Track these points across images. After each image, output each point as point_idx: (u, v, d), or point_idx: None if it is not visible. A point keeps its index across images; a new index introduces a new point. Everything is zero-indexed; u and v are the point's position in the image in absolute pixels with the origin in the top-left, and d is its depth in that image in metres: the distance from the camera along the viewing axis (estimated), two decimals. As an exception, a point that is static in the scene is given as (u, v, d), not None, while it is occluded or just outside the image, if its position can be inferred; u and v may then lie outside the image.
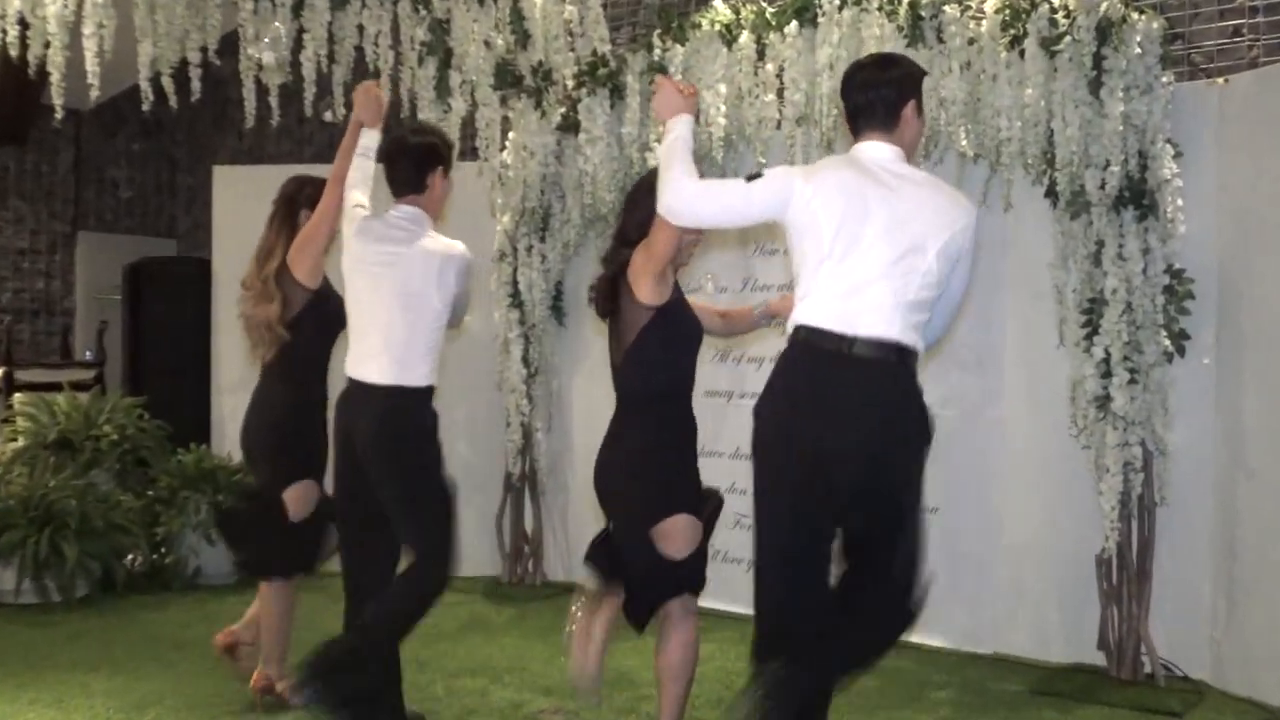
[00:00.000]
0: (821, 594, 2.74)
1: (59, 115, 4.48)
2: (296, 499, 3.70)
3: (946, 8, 4.31)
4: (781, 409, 2.75)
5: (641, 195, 3.19)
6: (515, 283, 5.50)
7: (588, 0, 5.31)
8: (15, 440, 5.68)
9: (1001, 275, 4.49)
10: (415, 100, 5.17)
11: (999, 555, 4.54)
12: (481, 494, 5.55)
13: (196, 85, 4.73)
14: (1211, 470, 4.11)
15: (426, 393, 3.30)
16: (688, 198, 2.88)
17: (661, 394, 3.09)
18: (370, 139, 3.63)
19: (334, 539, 3.62)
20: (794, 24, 4.65)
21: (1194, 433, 4.12)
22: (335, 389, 3.59)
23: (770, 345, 4.93)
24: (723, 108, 4.80)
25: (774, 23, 4.75)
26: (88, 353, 8.46)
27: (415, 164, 3.43)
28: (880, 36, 4.41)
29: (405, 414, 3.27)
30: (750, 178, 2.87)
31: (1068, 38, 4.05)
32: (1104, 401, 4.06)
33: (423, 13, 5.11)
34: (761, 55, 4.80)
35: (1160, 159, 3.97)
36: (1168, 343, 4.04)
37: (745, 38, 4.80)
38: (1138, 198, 4.03)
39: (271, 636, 3.77)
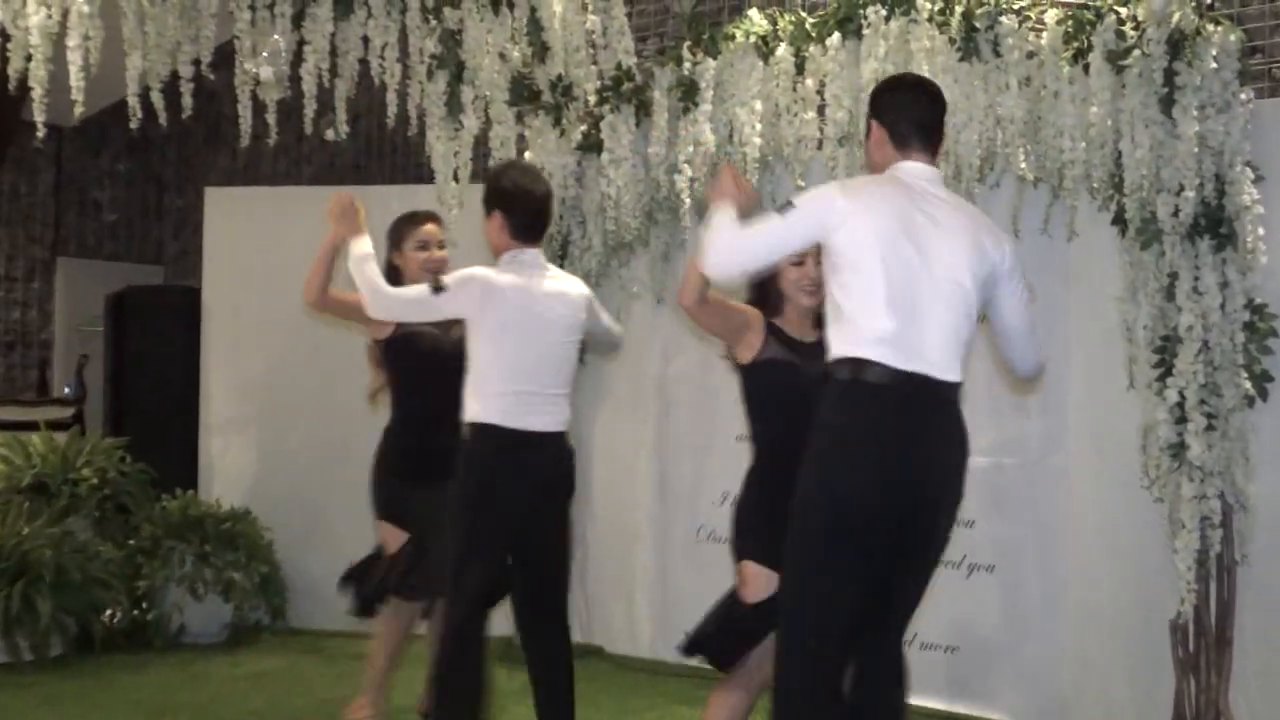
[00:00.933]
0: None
1: (40, 133, 4.53)
2: (385, 535, 4.19)
3: (1004, 19, 4.33)
4: (849, 455, 2.77)
5: None
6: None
7: (611, 10, 5.36)
8: (-13, 484, 5.73)
9: (1065, 310, 4.49)
10: (424, 117, 5.23)
11: (1063, 620, 4.51)
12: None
13: (188, 101, 4.79)
14: (1299, 526, 4.08)
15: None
16: (724, 251, 2.97)
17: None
18: (364, 245, 3.77)
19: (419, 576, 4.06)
20: (836, 36, 4.69)
21: (1278, 484, 4.09)
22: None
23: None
24: (758, 126, 4.83)
25: (814, 34, 4.78)
26: (66, 389, 8.54)
27: (548, 212, 3.82)
28: (930, 49, 4.44)
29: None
30: (782, 208, 2.93)
31: (1136, 51, 4.07)
32: (1179, 450, 4.04)
33: (433, 23, 5.17)
34: (801, 69, 4.83)
35: (1239, 183, 3.97)
36: (1249, 385, 4.02)
37: (783, 50, 4.84)
38: (1214, 226, 4.03)
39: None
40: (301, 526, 5.99)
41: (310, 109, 5.01)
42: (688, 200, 4.93)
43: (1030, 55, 4.32)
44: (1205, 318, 4.01)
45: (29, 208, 9.09)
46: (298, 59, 4.96)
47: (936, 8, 4.46)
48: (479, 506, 3.51)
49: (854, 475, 2.75)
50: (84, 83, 4.50)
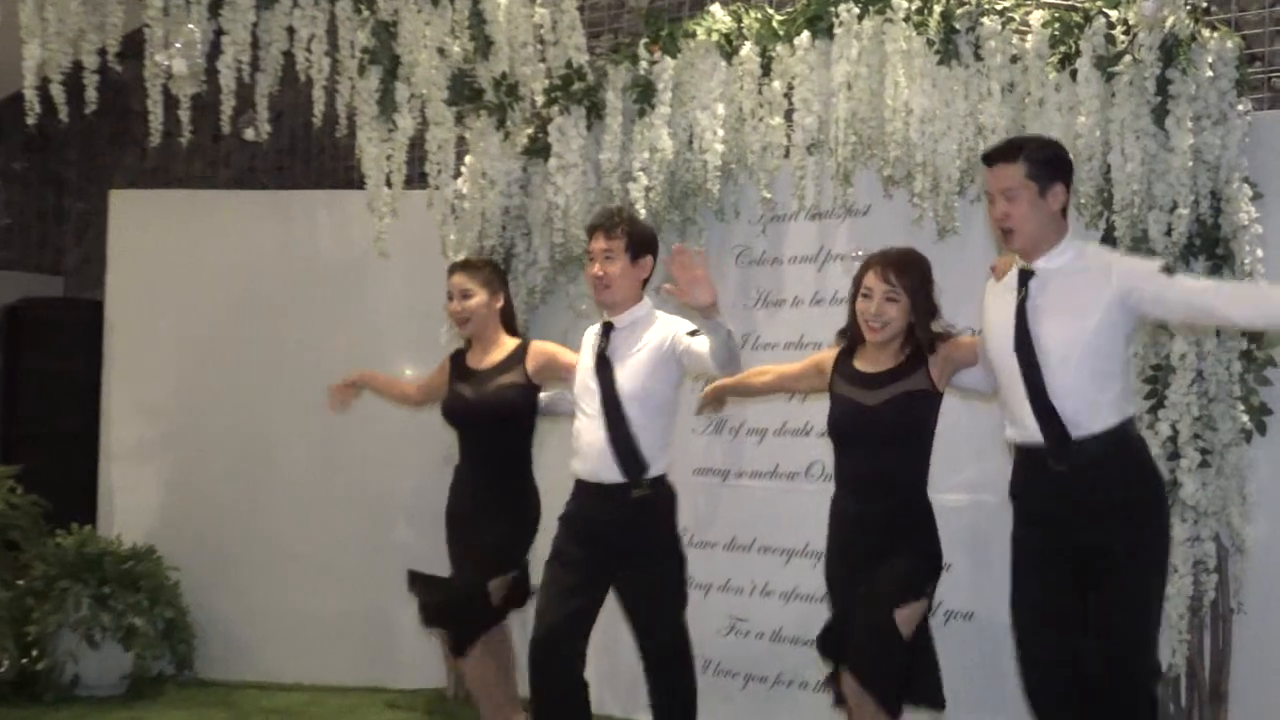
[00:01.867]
0: None
1: (-74, 129, 4.50)
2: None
3: (985, 20, 4.40)
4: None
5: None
6: (470, 335, 5.51)
7: (561, 3, 5.39)
8: None
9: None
10: (354, 117, 5.22)
11: (1046, 671, 4.52)
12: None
13: (92, 94, 4.76)
14: (1299, 571, 4.14)
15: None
16: None
17: None
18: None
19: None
20: (805, 35, 4.73)
21: (1277, 526, 4.14)
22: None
23: (775, 415, 4.95)
24: (720, 132, 4.86)
25: (782, 33, 4.83)
26: (-49, 411, 8.41)
27: None
28: (907, 52, 4.49)
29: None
30: (1165, 268, 3.55)
31: (1127, 57, 4.13)
32: (1171, 488, 4.09)
33: (365, 14, 5.16)
34: (767, 70, 4.87)
35: (1236, 200, 4.04)
36: (1245, 418, 4.07)
37: (748, 50, 4.88)
38: (1210, 246, 4.09)
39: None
40: (211, 567, 5.93)
41: (228, 105, 4.98)
42: (643, 211, 4.94)
43: (1014, 59, 4.38)
44: (1199, 345, 4.07)
45: (-88, 210, 8.97)
46: (215, 50, 4.94)
47: (914, 7, 4.51)
48: None
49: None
50: (-25, 73, 4.47)
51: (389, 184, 5.27)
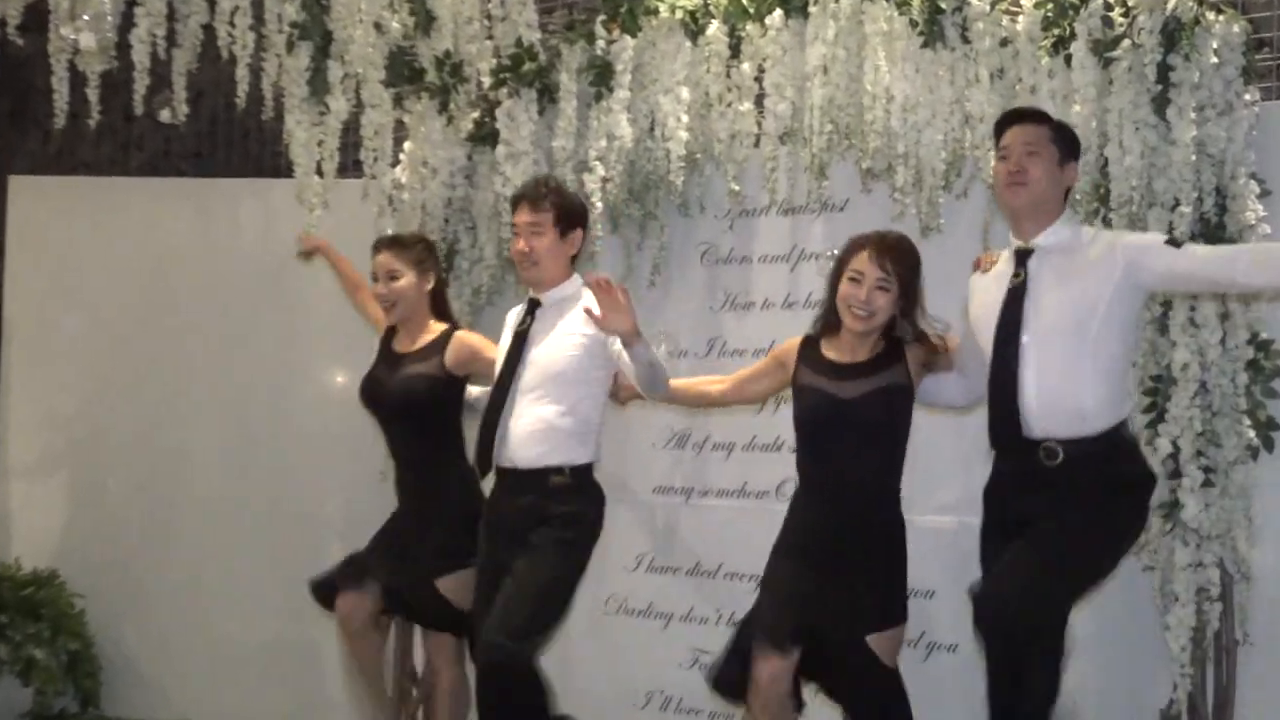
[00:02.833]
0: None
1: None
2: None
3: (973, 0, 4.44)
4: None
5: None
6: (408, 338, 5.49)
7: (511, -25, 5.40)
8: None
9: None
10: (282, 98, 5.20)
11: (1036, 708, 4.56)
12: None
13: (-10, 71, 4.74)
14: (1309, 600, 4.19)
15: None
16: None
17: None
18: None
19: None
20: (778, 14, 4.75)
21: (1286, 551, 4.19)
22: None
23: (742, 429, 4.96)
24: (685, 118, 4.88)
25: (752, 11, 4.84)
26: None
27: None
28: (888, 33, 4.52)
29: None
30: (1170, 240, 3.67)
31: (1126, 42, 4.17)
32: (1171, 509, 4.13)
33: (295, -16, 5.17)
34: (736, 52, 4.88)
35: (1242, 198, 4.07)
36: (1252, 434, 4.11)
37: (715, 29, 4.89)
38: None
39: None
40: (121, 593, 5.89)
41: (142, 84, 4.95)
42: (599, 204, 4.95)
43: (1004, 43, 4.42)
44: (1203, 355, 4.11)
45: None
46: (127, 23, 4.91)
47: (896, -17, 4.55)
48: None
49: None
50: None
51: (320, 172, 5.25)
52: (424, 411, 4.55)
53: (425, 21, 5.33)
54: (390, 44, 5.30)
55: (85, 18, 4.80)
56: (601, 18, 5.12)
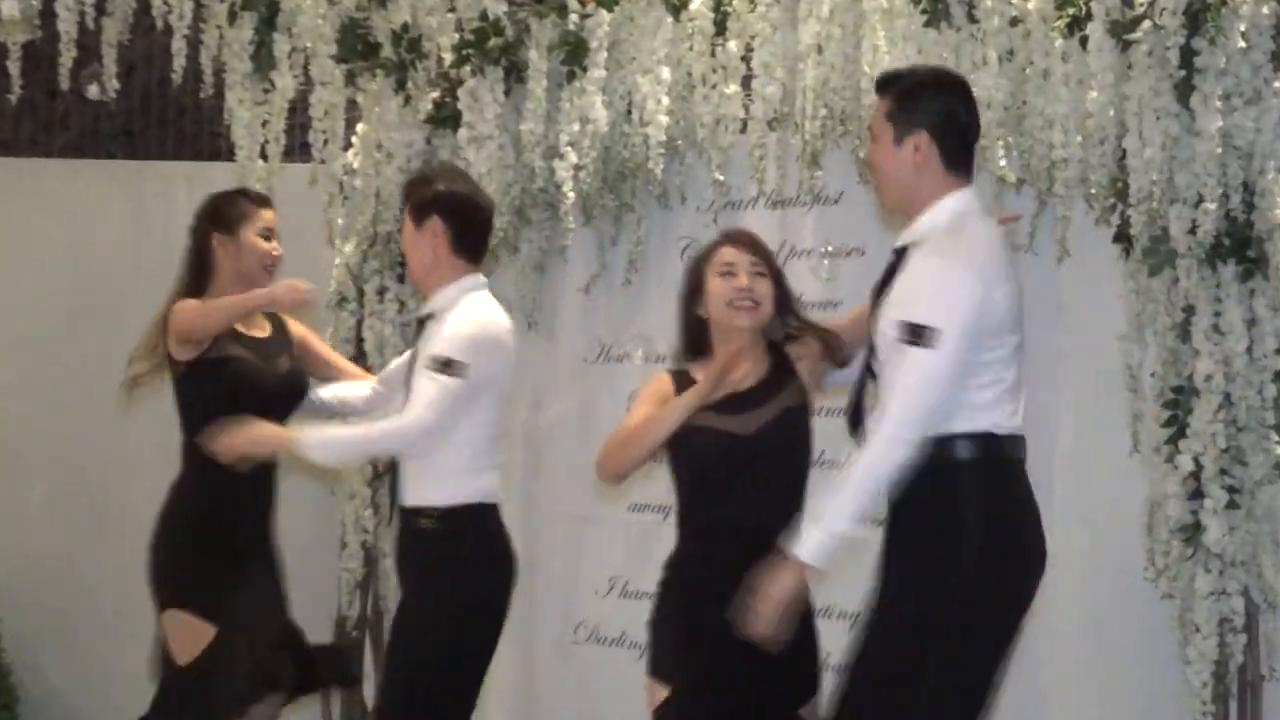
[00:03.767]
0: None
1: None
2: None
3: (981, -27, 4.46)
4: (1004, 551, 3.28)
5: None
6: (360, 338, 5.47)
7: (476, -61, 5.39)
8: None
9: (1052, 351, 4.56)
10: (223, 74, 5.19)
11: (1043, 748, 4.59)
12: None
13: (-100, 41, 4.71)
14: (1341, 632, 4.21)
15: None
16: None
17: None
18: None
19: None
20: (769, -13, 4.77)
21: (1316, 578, 4.21)
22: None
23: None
24: (665, 100, 4.88)
25: (741, -15, 4.86)
26: None
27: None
28: (888, 10, 4.54)
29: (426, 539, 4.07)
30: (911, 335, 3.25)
31: (1146, 23, 4.18)
32: (1193, 533, 4.15)
33: (238, -52, 5.16)
34: (722, 29, 4.90)
35: (1271, 193, 4.10)
36: (1280, 450, 4.16)
37: (699, 4, 4.90)
38: (1240, 248, 4.16)
39: None
40: (38, 616, 5.87)
41: (68, 56, 4.93)
42: (571, 194, 4.95)
43: (1014, 23, 4.43)
44: (1228, 364, 4.13)
45: None
46: (54, -10, 4.90)
47: (898, -45, 4.56)
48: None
49: (1012, 573, 3.45)
50: None
51: (264, 156, 5.24)
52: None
53: (382, -9, 5.32)
54: (342, 16, 5.27)
55: (6, -20, 4.80)
56: (575, -11, 5.11)
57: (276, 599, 4.38)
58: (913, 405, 3.18)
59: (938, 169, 3.36)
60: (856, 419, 3.41)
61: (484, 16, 5.24)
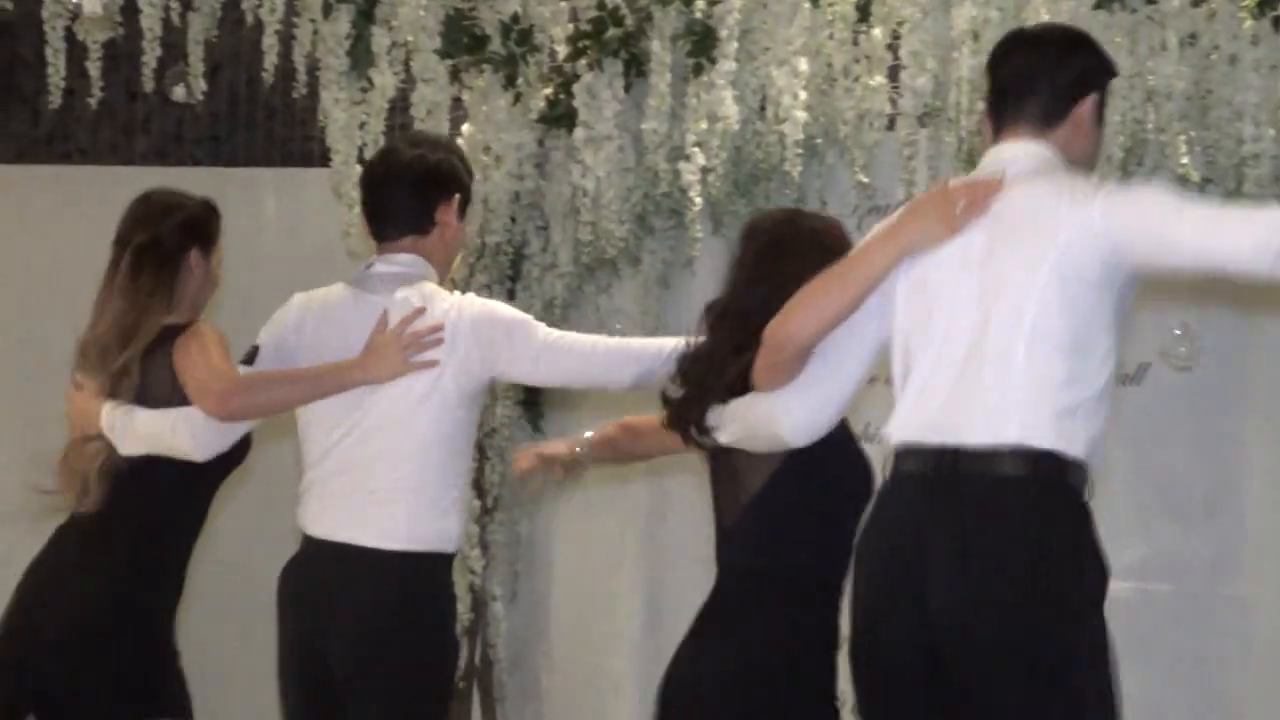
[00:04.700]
0: None
1: None
2: None
3: (1159, -53, 4.40)
4: (868, 573, 3.09)
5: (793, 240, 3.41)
6: (466, 361, 5.51)
7: (592, -80, 5.40)
8: None
9: (1242, 377, 4.55)
10: (317, 72, 5.23)
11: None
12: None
13: (-30, 39, 4.80)
14: None
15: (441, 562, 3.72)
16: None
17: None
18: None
19: None
20: (918, -32, 4.74)
21: None
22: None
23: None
24: (802, 95, 4.84)
25: (886, -35, 4.83)
26: None
27: (417, 189, 3.78)
28: (1053, -9, 4.49)
29: (413, 599, 3.62)
30: None
31: (1350, 0, 4.12)
32: None
33: (333, -66, 5.20)
34: (866, 15, 4.87)
35: None
36: None
37: (840, -14, 4.89)
38: None
39: None
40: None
41: (152, 55, 4.99)
42: (698, 200, 4.95)
43: (1197, 3, 4.38)
44: None
45: None
46: (136, -17, 4.97)
47: (1064, -72, 4.51)
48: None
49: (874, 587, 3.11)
50: None
51: (362, 160, 5.25)
52: None
53: (490, -20, 5.34)
54: (447, 7, 5.29)
55: (89, -26, 4.86)
56: (702, -27, 5.10)
57: None
58: None
59: None
60: None
61: (601, 5, 5.27)
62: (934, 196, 3.16)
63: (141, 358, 3.84)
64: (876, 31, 4.85)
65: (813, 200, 5.08)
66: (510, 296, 5.39)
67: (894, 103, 4.85)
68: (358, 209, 5.17)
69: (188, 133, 7.08)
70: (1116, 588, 4.27)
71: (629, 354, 3.69)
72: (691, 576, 5.34)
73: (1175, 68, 4.36)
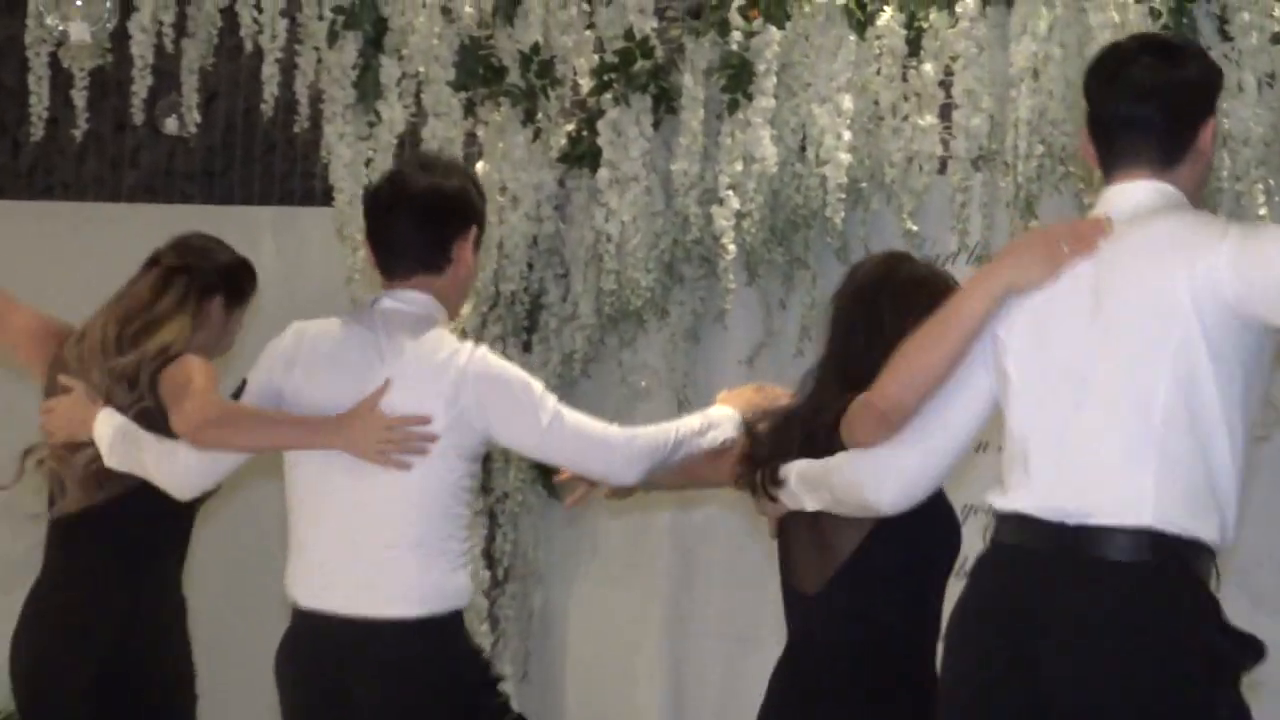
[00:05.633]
0: None
1: None
2: None
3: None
4: (970, 642, 3.02)
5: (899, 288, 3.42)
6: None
7: (619, -56, 5.42)
8: None
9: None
10: (320, 103, 5.26)
11: None
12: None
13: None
14: None
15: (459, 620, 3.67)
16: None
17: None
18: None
19: None
20: (972, -2, 4.76)
21: None
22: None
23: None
24: (846, 135, 4.86)
25: (938, -6, 4.86)
26: None
27: (431, 220, 3.70)
28: (1120, 24, 4.47)
29: (440, 665, 3.59)
30: None
31: None
32: None
33: (340, -44, 5.23)
34: (916, 49, 4.89)
35: None
36: None
37: (889, 18, 4.90)
38: None
39: None
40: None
41: (141, 84, 5.01)
42: (732, 247, 4.95)
43: (1277, 40, 4.38)
44: None
45: None
46: (127, 9, 4.98)
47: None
48: None
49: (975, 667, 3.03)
50: None
51: (368, 200, 5.30)
52: None
53: (507, 6, 5.35)
54: (461, 35, 5.32)
55: (78, 3, 4.85)
56: (739, 2, 5.09)
57: None
58: None
59: None
60: None
61: (629, 35, 5.27)
62: (1034, 235, 3.14)
63: (151, 374, 3.96)
64: (928, 67, 4.86)
65: (856, 249, 5.06)
66: (526, 349, 5.40)
67: (946, 144, 4.86)
68: (362, 252, 5.19)
69: (179, 167, 7.10)
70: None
71: (638, 449, 3.62)
72: (719, 653, 5.38)
73: (1253, 110, 4.35)
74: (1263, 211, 4.36)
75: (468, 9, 5.33)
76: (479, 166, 5.42)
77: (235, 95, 6.33)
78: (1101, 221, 2.97)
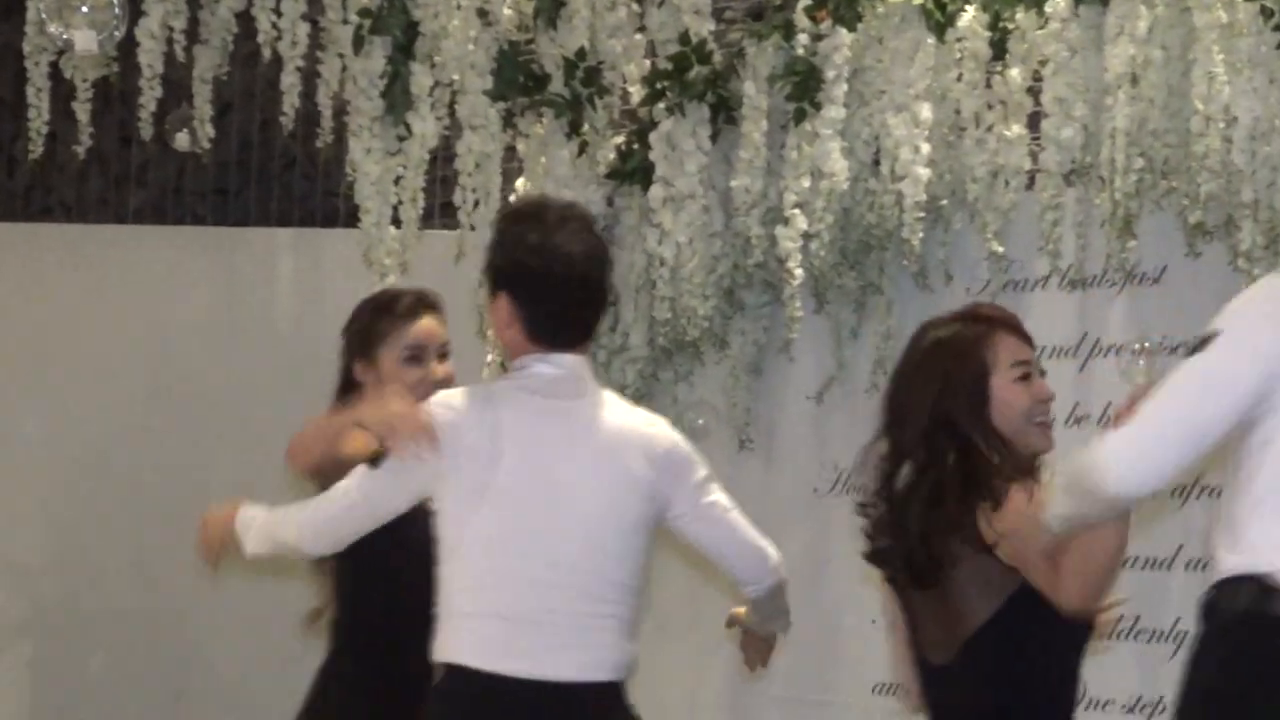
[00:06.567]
0: None
1: None
2: None
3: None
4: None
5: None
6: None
7: (673, -58, 5.41)
8: None
9: None
10: (345, 116, 5.25)
11: None
12: None
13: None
14: None
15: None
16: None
17: None
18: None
19: None
20: (1063, -2, 4.74)
21: None
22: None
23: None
24: (924, 148, 4.84)
25: (1024, -6, 4.85)
26: None
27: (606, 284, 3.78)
28: (1228, 25, 4.48)
29: None
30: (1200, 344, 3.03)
31: None
32: None
33: (367, -44, 5.24)
34: (1001, 53, 4.88)
35: None
36: None
37: (971, 18, 4.89)
38: None
39: None
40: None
41: (150, 96, 5.02)
42: (799, 271, 4.94)
43: None
44: None
45: None
46: (135, 15, 4.99)
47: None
48: None
49: None
50: None
51: (396, 222, 5.30)
52: None
53: (550, 8, 5.35)
54: (500, 40, 5.34)
55: (82, 8, 4.86)
56: (805, 3, 5.09)
57: None
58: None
59: None
60: None
61: (684, 39, 5.29)
62: None
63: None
64: (1014, 73, 4.85)
65: (936, 273, 5.05)
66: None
67: (1034, 157, 4.84)
68: (391, 277, 5.22)
69: (190, 186, 7.12)
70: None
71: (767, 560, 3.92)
72: (779, 715, 5.33)
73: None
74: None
75: (506, 11, 5.35)
76: (519, 184, 5.43)
77: (251, 107, 6.35)
78: None
